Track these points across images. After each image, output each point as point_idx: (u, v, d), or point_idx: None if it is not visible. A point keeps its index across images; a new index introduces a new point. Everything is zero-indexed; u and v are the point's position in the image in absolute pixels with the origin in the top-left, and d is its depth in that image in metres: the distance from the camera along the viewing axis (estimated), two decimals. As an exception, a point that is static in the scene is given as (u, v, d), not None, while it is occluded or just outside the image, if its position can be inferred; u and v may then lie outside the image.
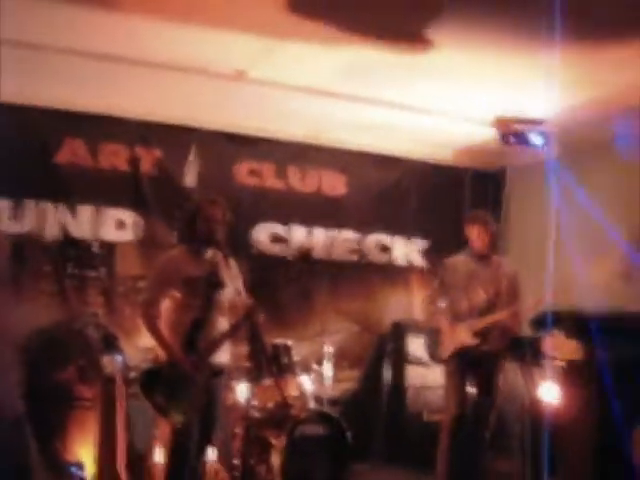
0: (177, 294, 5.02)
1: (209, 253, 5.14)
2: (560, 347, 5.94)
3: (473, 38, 5.13)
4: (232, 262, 5.21)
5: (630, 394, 5.35)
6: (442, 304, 6.30)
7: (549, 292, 5.88)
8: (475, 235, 6.20)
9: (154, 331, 4.98)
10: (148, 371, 5.02)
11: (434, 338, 6.29)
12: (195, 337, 4.91)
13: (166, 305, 5.07)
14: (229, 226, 5.23)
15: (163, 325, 5.03)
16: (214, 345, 4.98)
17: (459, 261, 6.32)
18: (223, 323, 5.11)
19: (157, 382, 4.84)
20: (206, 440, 5.17)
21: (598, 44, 5.14)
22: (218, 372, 5.11)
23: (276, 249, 8.04)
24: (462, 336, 6.06)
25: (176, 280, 5.02)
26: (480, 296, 6.12)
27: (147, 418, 5.40)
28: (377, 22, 5.08)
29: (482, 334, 6.03)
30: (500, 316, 5.98)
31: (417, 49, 5.38)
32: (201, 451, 5.16)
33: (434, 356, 6.35)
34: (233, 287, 5.13)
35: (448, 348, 6.13)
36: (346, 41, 5.32)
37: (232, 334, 5.10)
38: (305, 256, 7.99)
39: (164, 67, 6.04)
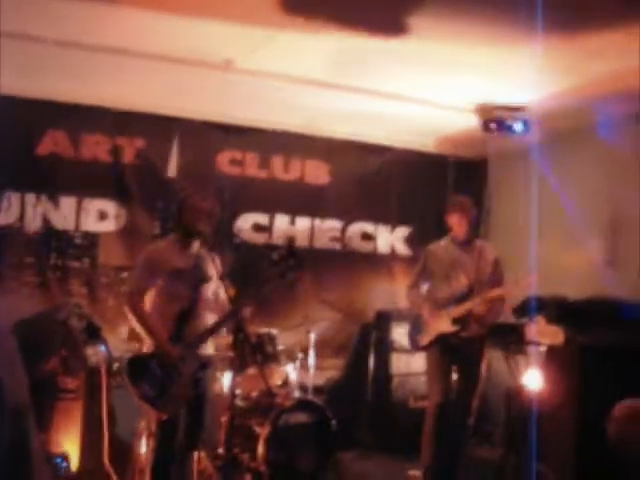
0: (162, 284, 5.03)
1: (195, 245, 5.15)
2: (542, 332, 5.97)
3: (455, 26, 5.13)
4: (215, 257, 5.24)
5: (610, 378, 5.39)
6: (423, 290, 6.31)
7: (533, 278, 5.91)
8: (456, 221, 6.19)
9: (142, 319, 4.97)
10: (135, 360, 5.01)
11: (415, 325, 6.31)
12: (182, 328, 4.92)
13: (152, 296, 5.07)
14: (216, 219, 5.26)
15: (150, 315, 5.03)
16: (202, 337, 5.00)
17: (441, 247, 6.32)
18: (209, 315, 5.13)
19: (144, 372, 4.83)
20: (197, 432, 5.19)
21: (578, 32, 5.15)
22: (205, 364, 5.12)
23: (259, 238, 8.04)
24: (441, 323, 6.07)
25: (162, 271, 5.04)
26: (461, 283, 6.12)
27: (132, 409, 5.38)
28: (361, 11, 5.08)
29: (461, 321, 6.04)
30: (477, 302, 5.98)
31: (400, 37, 5.38)
32: (191, 443, 5.18)
33: (414, 343, 6.35)
34: (218, 278, 5.13)
35: (428, 335, 6.14)
36: (330, 31, 5.31)
37: (220, 326, 5.11)
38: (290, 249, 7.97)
39: (148, 57, 6.02)
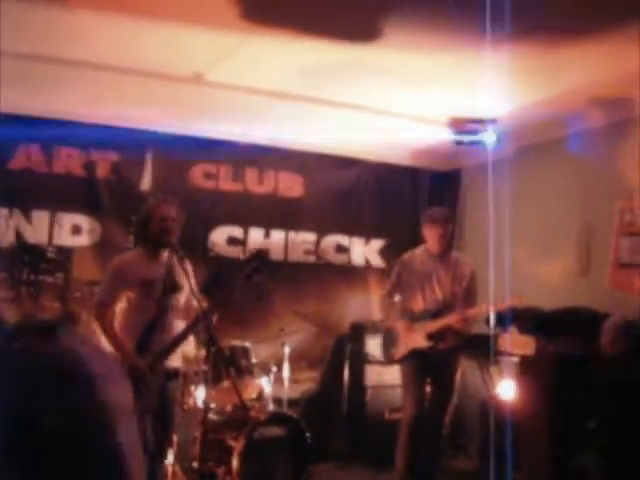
0: (132, 295, 5.01)
1: (164, 255, 5.13)
2: (514, 343, 5.99)
3: (427, 38, 5.17)
4: (187, 264, 5.21)
5: (583, 387, 5.42)
6: (397, 301, 6.30)
7: (506, 290, 5.92)
8: (432, 234, 6.14)
9: (107, 332, 4.94)
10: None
11: (389, 338, 6.30)
12: (149, 340, 4.90)
13: (121, 307, 5.06)
14: (183, 226, 5.23)
15: (117, 327, 5.02)
16: (168, 348, 4.97)
17: (416, 258, 6.28)
18: (179, 326, 5.09)
19: None
20: (164, 445, 5.16)
21: (549, 44, 5.20)
22: (172, 375, 5.10)
23: (234, 252, 8.04)
24: (415, 338, 6.05)
25: (131, 282, 5.01)
26: (436, 295, 6.11)
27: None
28: (332, 23, 5.10)
29: (435, 336, 6.02)
30: (454, 319, 5.95)
31: (372, 49, 5.41)
32: (159, 454, 5.14)
33: (387, 357, 6.35)
34: (188, 289, 5.11)
35: (401, 349, 6.13)
36: (302, 42, 5.33)
37: (185, 336, 5.06)
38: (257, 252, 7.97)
39: (121, 71, 6.03)
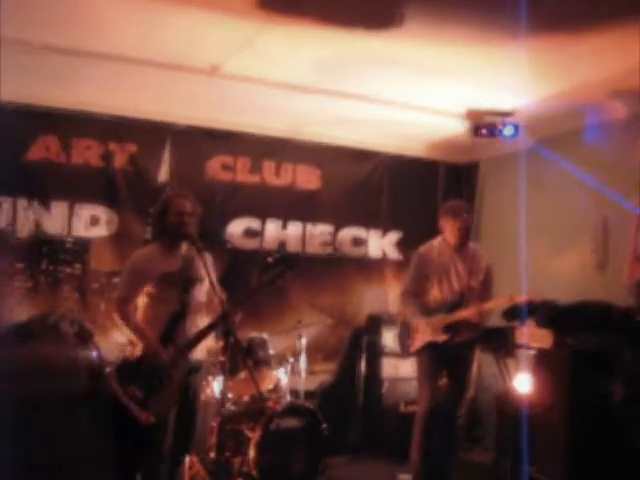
0: (152, 290, 5.01)
1: (183, 248, 5.13)
2: (531, 336, 5.98)
3: (445, 30, 5.16)
4: (207, 256, 5.20)
5: (600, 381, 5.41)
6: (414, 293, 6.27)
7: (523, 284, 5.91)
8: (450, 226, 6.11)
9: (131, 324, 4.95)
10: (125, 364, 5.00)
11: (405, 330, 6.29)
12: (172, 332, 4.91)
13: (142, 301, 5.06)
14: (200, 218, 5.23)
15: (140, 319, 5.03)
16: (193, 342, 4.97)
17: (434, 249, 6.22)
18: (200, 319, 5.10)
19: (134, 375, 4.84)
20: (187, 438, 5.16)
21: (566, 36, 5.18)
22: (196, 368, 5.11)
23: (251, 243, 8.06)
24: (432, 331, 6.03)
25: (150, 277, 5.01)
26: (453, 288, 6.08)
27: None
28: (350, 14, 5.09)
29: (451, 329, 6.01)
30: (469, 312, 5.92)
31: (389, 42, 5.40)
32: (182, 449, 5.16)
33: (404, 349, 6.34)
34: (208, 281, 5.11)
35: (418, 342, 6.12)
36: (320, 35, 5.33)
37: (209, 331, 5.04)
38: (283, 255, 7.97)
39: (138, 62, 6.04)
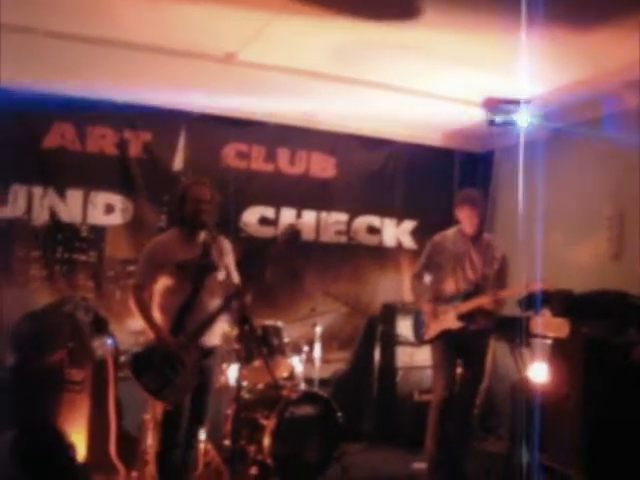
0: (169, 277, 5.01)
1: (201, 236, 5.14)
2: (547, 325, 5.96)
3: (461, 18, 5.14)
4: (225, 242, 5.22)
5: (615, 371, 5.40)
6: (427, 282, 6.28)
7: (538, 273, 5.89)
8: (466, 215, 6.09)
9: (143, 312, 4.97)
10: (139, 353, 5.01)
11: (419, 319, 6.29)
12: (184, 319, 4.92)
13: (158, 288, 5.07)
14: (218, 207, 5.23)
15: (155, 307, 5.05)
16: (202, 326, 4.98)
17: (448, 239, 6.23)
18: (214, 305, 5.08)
19: (147, 364, 4.85)
20: (198, 422, 5.18)
21: (585, 25, 5.16)
22: (208, 353, 5.11)
23: (266, 232, 8.06)
24: (447, 319, 6.04)
25: (167, 264, 5.01)
26: (468, 277, 6.07)
27: (138, 401, 5.41)
28: (365, 1, 5.08)
29: (466, 317, 6.01)
30: (485, 300, 5.90)
31: (404, 29, 5.38)
32: (194, 433, 5.18)
33: (418, 337, 6.34)
34: (225, 268, 5.12)
35: (432, 330, 6.12)
36: (335, 22, 5.31)
37: (217, 315, 5.06)
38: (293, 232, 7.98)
39: (153, 50, 6.04)
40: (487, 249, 6.14)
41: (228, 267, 5.05)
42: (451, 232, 6.27)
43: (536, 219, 6.37)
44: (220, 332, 5.28)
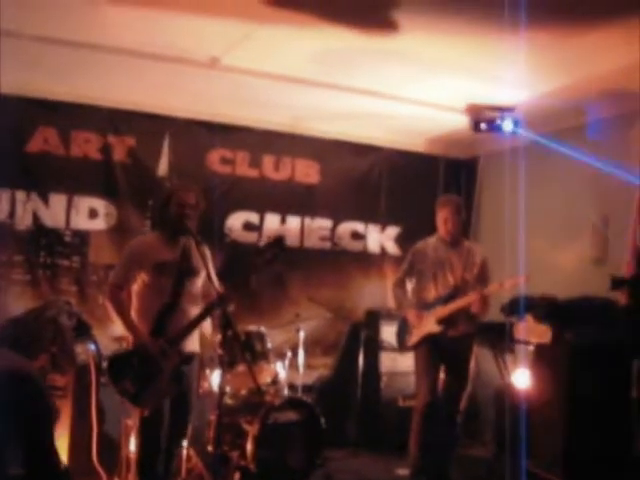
0: (146, 278, 5.00)
1: (182, 240, 5.12)
2: (530, 331, 5.98)
3: (444, 24, 5.15)
4: (205, 249, 5.20)
5: (598, 376, 5.42)
6: (409, 289, 6.32)
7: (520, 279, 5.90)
8: (444, 219, 6.17)
9: (121, 312, 4.95)
10: (116, 357, 4.99)
11: (403, 325, 6.31)
12: (164, 322, 4.91)
13: (136, 290, 5.06)
14: (202, 212, 5.22)
15: (133, 310, 5.04)
16: (183, 331, 4.96)
17: (429, 246, 6.29)
18: (194, 310, 5.07)
19: (125, 368, 4.83)
20: (181, 428, 5.17)
21: (566, 32, 5.17)
22: (188, 359, 5.09)
23: (250, 237, 8.05)
24: (427, 324, 6.07)
25: (146, 264, 5.00)
26: (448, 283, 6.12)
27: (121, 406, 5.38)
28: (349, 8, 5.08)
29: (447, 321, 6.04)
30: (463, 302, 5.96)
31: (389, 35, 5.38)
32: (176, 439, 5.17)
33: (402, 343, 6.36)
34: (205, 274, 5.10)
35: (415, 336, 6.15)
36: (319, 28, 5.31)
37: (199, 321, 5.04)
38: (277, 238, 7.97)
39: (138, 55, 6.03)
40: (467, 254, 6.19)
41: (209, 273, 5.03)
42: (432, 239, 6.34)
43: (520, 225, 6.38)
44: (199, 337, 5.26)
